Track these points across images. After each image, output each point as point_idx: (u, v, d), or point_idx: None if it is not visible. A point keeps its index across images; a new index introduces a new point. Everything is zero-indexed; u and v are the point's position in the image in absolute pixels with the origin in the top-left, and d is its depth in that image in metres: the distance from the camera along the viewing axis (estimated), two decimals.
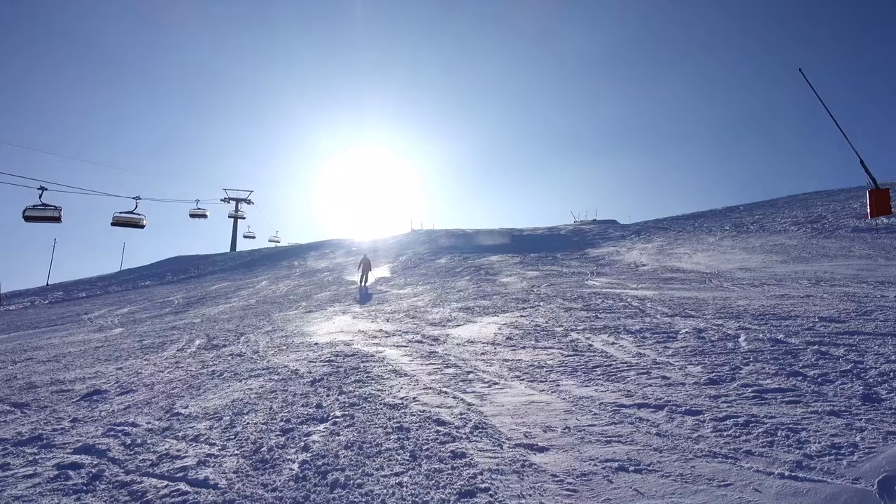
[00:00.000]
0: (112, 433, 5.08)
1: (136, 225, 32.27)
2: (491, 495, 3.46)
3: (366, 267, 21.38)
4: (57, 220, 27.24)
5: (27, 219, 26.77)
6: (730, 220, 28.35)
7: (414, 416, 5.06)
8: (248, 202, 55.64)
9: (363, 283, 20.69)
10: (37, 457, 4.61)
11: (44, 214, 26.85)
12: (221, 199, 54.96)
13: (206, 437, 4.84)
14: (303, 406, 5.57)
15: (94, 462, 4.39)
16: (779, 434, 4.05)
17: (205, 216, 47.30)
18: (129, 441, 4.84)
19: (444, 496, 3.48)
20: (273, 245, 53.67)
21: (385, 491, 3.60)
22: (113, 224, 31.72)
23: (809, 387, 5.01)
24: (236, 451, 4.43)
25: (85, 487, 3.94)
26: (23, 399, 6.76)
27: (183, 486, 3.83)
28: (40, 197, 26.36)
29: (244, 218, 55.53)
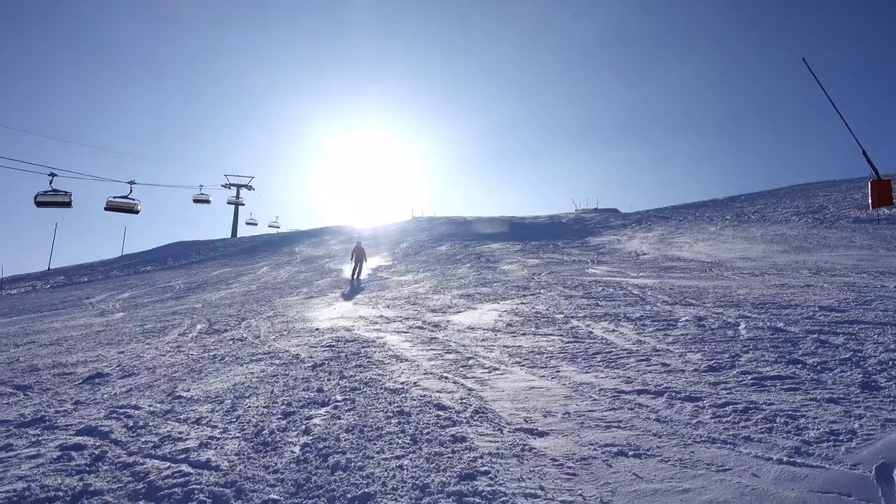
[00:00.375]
0: (114, 415, 5.11)
1: (131, 210, 31.06)
2: (491, 478, 3.49)
3: (359, 256, 18.70)
4: (67, 204, 27.21)
5: (39, 204, 26.76)
6: (731, 209, 28.32)
7: (414, 400, 5.09)
8: (249, 188, 55.41)
9: (355, 276, 18.23)
10: (40, 438, 4.63)
11: (55, 200, 26.85)
12: (223, 185, 54.69)
13: (207, 419, 4.86)
14: (304, 390, 5.59)
15: (97, 444, 4.42)
16: (778, 420, 4.08)
17: (208, 201, 47.24)
18: (131, 423, 4.87)
19: (444, 479, 3.51)
20: (273, 230, 53.58)
21: (386, 474, 3.63)
22: (106, 209, 30.51)
23: (809, 374, 5.04)
24: (238, 434, 4.46)
25: (88, 468, 3.97)
26: (25, 381, 6.79)
27: (185, 468, 3.86)
28: (51, 183, 26.33)
29: (243, 204, 55.18)
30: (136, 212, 31.18)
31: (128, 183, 30.40)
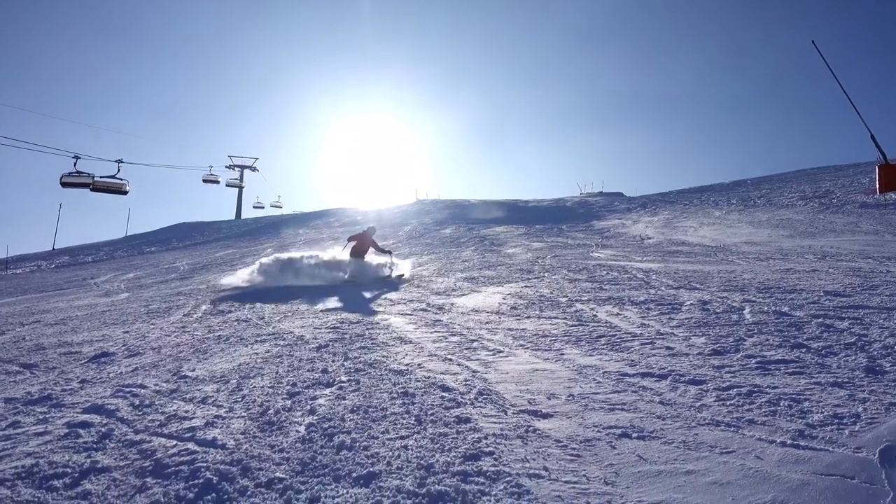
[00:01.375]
0: (121, 394, 5.14)
1: (118, 191, 29.48)
2: (495, 459, 3.50)
3: (361, 248, 13.49)
4: (90, 185, 27.29)
5: (64, 185, 26.85)
6: (737, 193, 28.19)
7: (419, 381, 5.10)
8: (254, 169, 55.25)
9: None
10: (47, 416, 4.67)
11: (78, 181, 26.93)
12: (227, 166, 54.53)
13: (213, 399, 4.89)
14: (308, 371, 5.61)
15: (104, 422, 4.45)
16: (781, 404, 4.08)
17: (217, 182, 47.61)
18: (137, 402, 4.90)
19: (448, 459, 3.53)
20: (276, 210, 53.57)
21: (391, 453, 3.65)
22: (92, 189, 29.16)
23: (813, 358, 5.03)
24: (243, 414, 4.49)
25: (95, 446, 4.01)
26: (31, 360, 6.84)
27: (192, 446, 3.89)
28: (75, 165, 26.37)
29: (243, 186, 54.93)
30: (125, 192, 29.82)
31: (115, 162, 29.03)
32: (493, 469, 3.37)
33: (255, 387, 5.16)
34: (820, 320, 6.26)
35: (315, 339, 7.04)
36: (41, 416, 4.66)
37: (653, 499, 2.96)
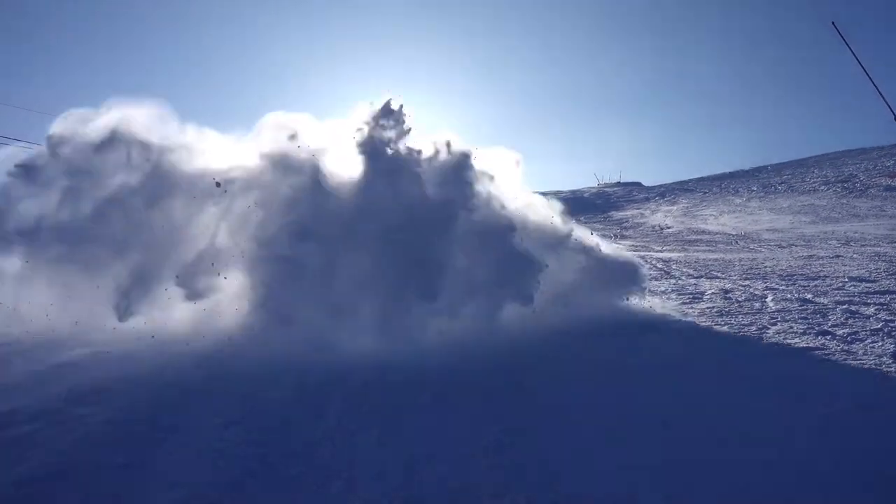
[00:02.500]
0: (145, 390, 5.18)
1: None
2: (516, 451, 3.50)
3: None
4: None
5: None
6: (757, 180, 27.85)
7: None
8: None
9: None
10: (74, 412, 4.73)
11: None
12: None
13: (234, 401, 4.91)
14: (325, 371, 5.63)
15: (129, 417, 4.49)
16: (808, 392, 4.04)
17: None
18: (165, 402, 4.94)
19: (470, 452, 3.53)
20: None
21: (412, 450, 3.66)
22: None
23: (839, 345, 4.97)
24: (264, 414, 4.52)
25: (122, 442, 4.05)
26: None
27: (217, 444, 3.93)
28: None
29: None
30: None
31: None
32: (522, 458, 3.36)
33: (273, 389, 5.20)
34: (845, 307, 6.17)
35: None
36: (68, 414, 4.73)
37: (679, 487, 2.94)
